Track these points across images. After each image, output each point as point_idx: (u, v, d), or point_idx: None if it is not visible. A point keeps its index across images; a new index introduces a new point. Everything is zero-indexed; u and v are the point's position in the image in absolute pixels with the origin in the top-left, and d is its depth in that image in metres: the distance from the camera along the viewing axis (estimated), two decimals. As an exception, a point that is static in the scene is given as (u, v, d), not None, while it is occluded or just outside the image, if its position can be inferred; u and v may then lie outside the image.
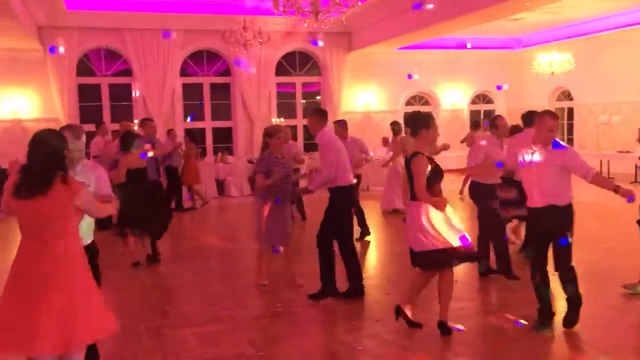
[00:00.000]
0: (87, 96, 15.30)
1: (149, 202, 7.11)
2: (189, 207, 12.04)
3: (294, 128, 15.95)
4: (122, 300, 5.92)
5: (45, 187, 3.09)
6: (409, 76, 16.94)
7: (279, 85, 16.72)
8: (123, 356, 4.40)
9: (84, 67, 15.21)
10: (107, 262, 7.44)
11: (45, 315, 2.99)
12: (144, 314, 5.38)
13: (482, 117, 18.86)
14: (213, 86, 16.31)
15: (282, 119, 16.00)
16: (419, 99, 18.28)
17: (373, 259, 7.78)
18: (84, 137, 3.72)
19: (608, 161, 14.73)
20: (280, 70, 16.61)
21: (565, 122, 17.33)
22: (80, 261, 3.23)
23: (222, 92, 16.41)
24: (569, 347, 4.44)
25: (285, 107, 16.87)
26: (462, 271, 6.44)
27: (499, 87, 18.07)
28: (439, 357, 4.28)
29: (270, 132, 6.13)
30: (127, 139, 7.08)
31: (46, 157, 3.14)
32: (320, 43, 15.26)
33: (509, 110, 18.16)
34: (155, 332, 4.88)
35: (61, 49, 13.93)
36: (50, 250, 3.10)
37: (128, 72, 15.38)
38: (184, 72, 15.84)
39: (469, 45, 17.04)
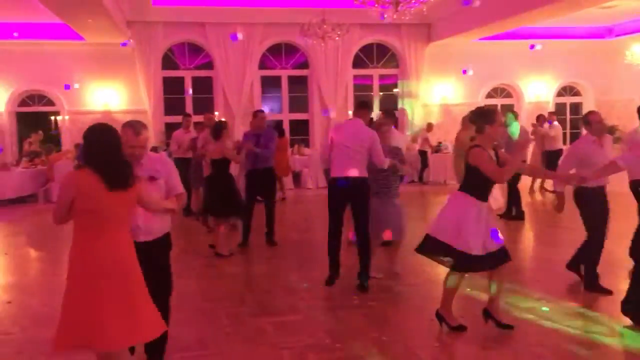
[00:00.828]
0: (171, 89, 15.88)
1: (234, 191, 7.51)
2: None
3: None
4: (204, 286, 6.13)
5: (132, 178, 3.22)
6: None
7: (355, 77, 16.68)
8: (205, 340, 4.54)
9: (168, 60, 15.79)
10: (190, 249, 7.80)
11: (117, 308, 3.08)
12: (224, 301, 5.53)
13: (568, 110, 18.11)
14: (291, 78, 16.51)
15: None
16: (500, 91, 17.72)
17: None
18: (145, 133, 3.64)
19: None
20: (357, 62, 16.57)
21: (660, 115, 16.27)
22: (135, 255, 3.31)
23: (299, 84, 16.57)
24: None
25: (362, 99, 16.80)
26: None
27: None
28: (519, 355, 4.14)
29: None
30: (218, 128, 7.55)
31: (120, 149, 3.23)
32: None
33: (597, 103, 17.29)
34: (235, 319, 5.01)
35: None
36: (126, 243, 3.21)
37: (209, 66, 15.83)
38: (262, 65, 16.12)
39: (536, 44, 16.30)
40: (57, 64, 14.86)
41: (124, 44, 14.50)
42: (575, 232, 6.35)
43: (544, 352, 4.20)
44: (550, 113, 13.65)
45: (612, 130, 17.32)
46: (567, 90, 18.15)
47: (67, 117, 15.21)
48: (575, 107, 18.06)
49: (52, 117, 15.12)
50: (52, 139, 15.25)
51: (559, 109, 17.71)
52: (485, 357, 4.15)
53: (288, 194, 12.60)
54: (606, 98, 17.56)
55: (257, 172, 7.79)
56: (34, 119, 15.43)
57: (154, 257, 3.74)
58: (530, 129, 12.39)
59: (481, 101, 17.10)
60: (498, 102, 17.61)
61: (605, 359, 4.14)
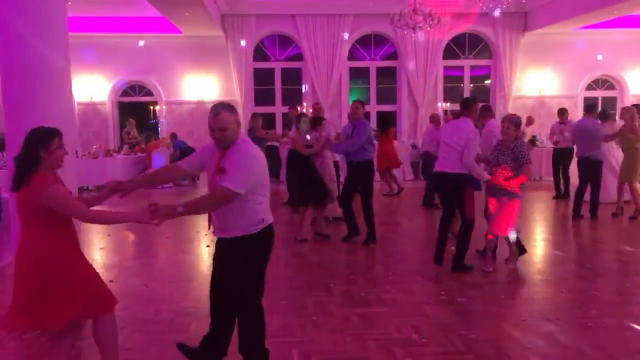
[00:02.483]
0: (261, 80, 16.24)
1: (312, 178, 7.69)
2: (387, 193, 12.11)
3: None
4: (291, 274, 6.24)
5: (18, 182, 3.22)
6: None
7: (446, 68, 16.33)
8: (291, 327, 4.62)
9: (259, 52, 16.14)
10: (278, 237, 7.95)
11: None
12: (311, 290, 5.60)
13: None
14: (379, 70, 16.40)
15: (448, 104, 15.63)
16: (602, 82, 16.74)
17: (544, 253, 7.32)
18: (225, 114, 3.42)
19: None
20: (448, 53, 16.20)
21: None
22: None
23: (388, 75, 16.44)
24: None
25: (452, 92, 16.44)
26: None
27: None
28: (620, 365, 3.92)
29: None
30: (297, 120, 8.04)
31: (25, 150, 3.20)
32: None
33: None
34: (321, 308, 5.06)
35: (242, 43, 14.91)
36: (23, 242, 3.27)
37: (299, 57, 16.02)
38: (351, 56, 16.12)
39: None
40: (156, 56, 15.58)
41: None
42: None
43: None
44: None
45: None
46: (677, 81, 16.86)
47: (164, 107, 15.93)
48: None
49: (151, 107, 15.88)
50: (151, 127, 16.03)
51: (668, 102, 16.48)
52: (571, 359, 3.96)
53: (375, 186, 12.53)
54: None
55: (352, 165, 7.64)
56: (135, 109, 16.29)
57: (220, 257, 3.63)
58: None
59: (580, 93, 16.26)
60: (600, 94, 16.66)
61: None
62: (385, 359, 4.04)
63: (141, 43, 15.15)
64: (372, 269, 6.42)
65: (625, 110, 9.45)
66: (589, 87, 16.59)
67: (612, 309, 5.06)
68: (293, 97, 15.79)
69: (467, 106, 6.29)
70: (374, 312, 4.94)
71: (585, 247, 7.76)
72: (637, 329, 4.59)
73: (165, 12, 12.71)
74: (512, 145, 5.95)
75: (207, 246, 7.54)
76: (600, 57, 15.37)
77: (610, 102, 16.38)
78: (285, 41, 16.17)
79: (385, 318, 4.80)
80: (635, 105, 11.83)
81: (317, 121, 8.56)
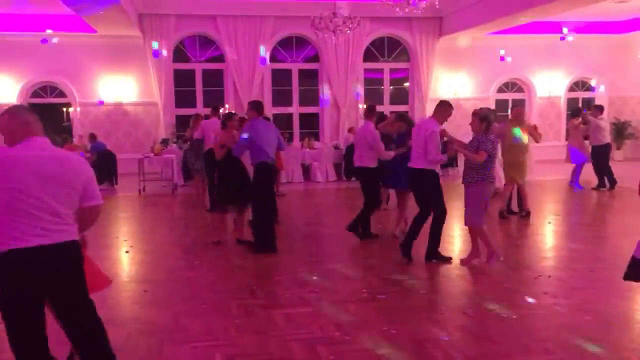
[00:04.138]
0: (182, 81, 15.94)
1: (242, 181, 7.48)
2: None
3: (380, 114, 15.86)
4: (215, 278, 6.17)
5: None
6: (502, 58, 16.07)
7: (366, 71, 16.66)
8: (214, 330, 4.57)
9: (179, 53, 15.85)
10: (201, 240, 7.85)
11: None
12: (234, 292, 5.57)
13: (580, 105, 17.92)
14: (301, 72, 16.51)
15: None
16: (511, 85, 17.62)
17: (460, 249, 7.62)
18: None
19: None
20: (368, 56, 16.54)
21: (674, 111, 16.13)
22: None
23: (310, 78, 16.58)
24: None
25: (373, 93, 16.79)
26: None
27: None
28: (529, 351, 4.14)
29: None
30: (225, 118, 7.81)
31: None
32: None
33: (610, 99, 17.17)
34: (245, 311, 5.04)
35: (164, 52, 14.53)
36: None
37: (221, 58, 15.86)
38: (273, 59, 16.14)
39: (565, 31, 16.14)
40: (69, 56, 14.94)
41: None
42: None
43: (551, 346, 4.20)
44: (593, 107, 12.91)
45: (624, 125, 17.23)
46: (579, 85, 18.02)
47: (78, 109, 15.30)
48: (588, 103, 17.91)
49: (64, 109, 15.21)
50: (66, 129, 15.35)
51: (571, 104, 17.60)
52: (493, 353, 4.15)
53: (298, 187, 12.63)
54: (620, 94, 17.42)
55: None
56: (47, 111, 15.54)
57: None
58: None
59: (492, 96, 17.04)
60: (509, 96, 17.53)
61: None
62: (309, 358, 4.07)
63: (55, 40, 14.47)
64: (295, 269, 6.46)
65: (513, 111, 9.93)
66: (500, 90, 17.43)
67: (523, 301, 5.34)
68: (215, 99, 15.60)
69: (371, 112, 7.73)
70: (297, 312, 4.97)
71: (499, 242, 8.13)
72: (546, 318, 4.87)
73: (78, 10, 12.22)
74: (478, 138, 6.21)
75: (126, 252, 7.32)
76: (509, 59, 16.09)
77: (520, 104, 17.26)
78: (206, 42, 15.95)
79: (309, 318, 4.84)
80: (597, 106, 12.55)
81: (244, 121, 8.52)
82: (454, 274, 6.23)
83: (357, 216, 7.72)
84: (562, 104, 17.61)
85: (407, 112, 15.13)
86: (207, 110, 12.43)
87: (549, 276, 6.00)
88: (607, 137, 11.88)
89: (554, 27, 16.26)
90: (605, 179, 11.67)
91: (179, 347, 4.28)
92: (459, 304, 5.25)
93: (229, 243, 7.69)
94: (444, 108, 6.67)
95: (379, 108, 15.85)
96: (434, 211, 6.55)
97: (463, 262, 6.48)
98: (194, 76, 15.99)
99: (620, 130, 17.29)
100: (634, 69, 16.57)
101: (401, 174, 7.64)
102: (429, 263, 6.56)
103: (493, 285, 5.74)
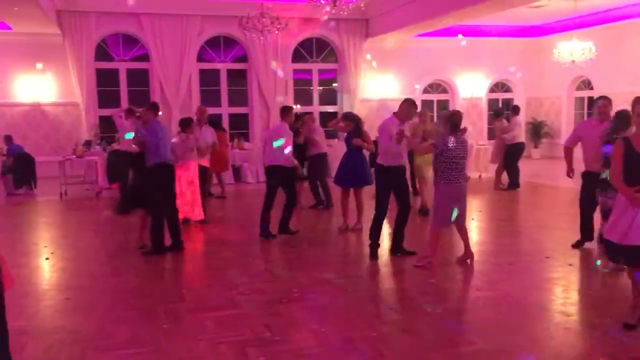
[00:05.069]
0: (105, 81, 15.42)
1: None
2: (220, 195, 11.88)
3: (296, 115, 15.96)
4: (141, 282, 6.01)
5: None
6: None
7: (295, 72, 16.70)
8: (140, 337, 4.46)
9: (102, 52, 15.32)
10: (128, 245, 7.62)
11: None
12: (162, 297, 5.44)
13: (500, 105, 18.70)
14: (230, 72, 16.35)
15: (298, 106, 16.01)
16: (436, 87, 18.15)
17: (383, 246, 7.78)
18: None
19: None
20: (297, 57, 16.59)
21: (585, 111, 17.11)
22: None
23: (239, 78, 16.44)
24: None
25: (302, 94, 16.86)
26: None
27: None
28: (455, 343, 4.28)
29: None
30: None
31: None
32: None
33: (528, 99, 17.99)
34: (173, 315, 4.94)
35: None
36: None
37: (146, 58, 15.46)
38: (200, 58, 15.89)
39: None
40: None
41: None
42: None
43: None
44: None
45: (540, 125, 18.13)
46: (499, 86, 18.79)
47: (-7, 110, 14.51)
48: (507, 104, 18.69)
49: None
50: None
51: (492, 104, 18.33)
52: (420, 347, 4.26)
53: (228, 188, 12.47)
54: (537, 94, 18.30)
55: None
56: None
57: None
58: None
59: (418, 96, 17.48)
60: (434, 97, 18.05)
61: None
62: (239, 360, 4.05)
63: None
64: (225, 271, 6.39)
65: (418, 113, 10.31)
66: (425, 91, 17.92)
67: (448, 295, 5.53)
68: (141, 99, 15.17)
69: (286, 112, 7.92)
70: (227, 315, 4.92)
71: (420, 241, 8.35)
72: (469, 311, 5.06)
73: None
74: (440, 137, 6.28)
75: (47, 258, 7.01)
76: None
77: (444, 105, 17.84)
78: (130, 41, 15.50)
79: (239, 319, 4.80)
80: (514, 107, 12.99)
81: (185, 123, 8.37)
82: (382, 271, 6.36)
83: (282, 217, 7.89)
84: (484, 105, 18.30)
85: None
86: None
87: (472, 270, 6.23)
88: (521, 137, 12.41)
89: (476, 31, 16.89)
90: (507, 177, 12.12)
91: (103, 356, 4.14)
92: (388, 300, 5.37)
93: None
94: (406, 106, 6.76)
95: (308, 109, 16.19)
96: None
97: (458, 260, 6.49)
98: (118, 75, 15.49)
99: (537, 129, 18.17)
100: (549, 71, 17.46)
101: (359, 172, 8.02)
102: (363, 261, 6.66)
103: (420, 282, 5.89)
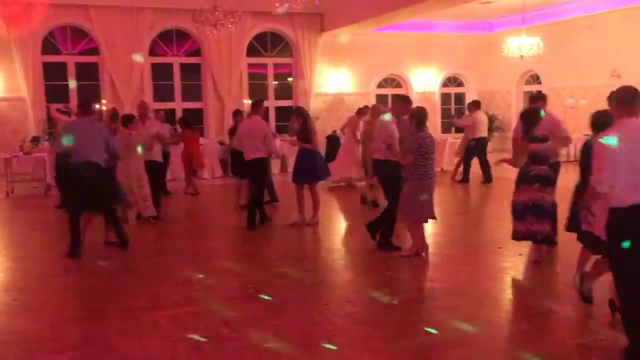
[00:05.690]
0: (52, 75, 14.94)
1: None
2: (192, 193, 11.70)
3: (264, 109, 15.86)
4: (93, 282, 5.86)
5: None
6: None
7: (250, 66, 16.56)
8: (92, 337, 4.35)
9: (49, 45, 14.83)
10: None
11: None
12: (115, 296, 5.33)
13: (452, 99, 19.03)
14: (183, 66, 16.08)
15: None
16: (390, 81, 18.31)
17: (345, 240, 7.81)
18: None
19: (575, 144, 14.99)
20: (251, 51, 16.45)
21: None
22: None
23: (192, 72, 16.19)
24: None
25: (257, 88, 16.73)
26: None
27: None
28: (411, 334, 4.34)
29: None
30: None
31: None
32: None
33: (479, 93, 18.34)
34: (126, 314, 4.84)
35: None
36: None
37: (95, 51, 15.05)
38: (153, 52, 15.57)
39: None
40: None
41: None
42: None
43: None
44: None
45: (492, 118, 18.52)
46: (451, 80, 19.09)
47: None
48: (459, 98, 19.04)
49: None
50: None
51: (444, 98, 18.62)
52: (376, 338, 4.30)
53: (183, 184, 12.26)
54: (488, 88, 18.68)
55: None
56: None
57: None
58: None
59: (372, 91, 17.60)
60: (389, 92, 18.20)
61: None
62: (196, 357, 4.00)
63: None
64: (181, 268, 6.29)
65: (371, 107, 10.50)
66: (380, 85, 18.06)
67: (404, 286, 5.61)
68: (90, 93, 14.78)
69: (257, 105, 8.14)
70: (183, 312, 4.85)
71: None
72: (424, 302, 5.13)
73: None
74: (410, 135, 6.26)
75: (-8, 260, 6.76)
76: (390, 57, 16.44)
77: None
78: (78, 34, 15.04)
79: (195, 317, 4.74)
80: (474, 102, 13.10)
81: (127, 119, 8.20)
82: (338, 265, 6.39)
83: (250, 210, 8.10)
84: (437, 99, 18.57)
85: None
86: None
87: (427, 262, 6.32)
88: (483, 131, 12.55)
89: (429, 26, 17.10)
90: (461, 168, 12.36)
91: (53, 358, 4.02)
92: (344, 293, 5.39)
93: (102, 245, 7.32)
94: (396, 102, 6.92)
95: (264, 103, 16.00)
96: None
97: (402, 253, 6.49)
98: (66, 69, 15.02)
99: (489, 123, 18.54)
100: (499, 66, 17.82)
101: (312, 168, 7.99)
102: (317, 256, 6.67)
103: (375, 274, 5.94)
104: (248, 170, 8.32)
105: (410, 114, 6.33)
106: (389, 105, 13.68)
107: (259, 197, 8.30)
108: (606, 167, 3.52)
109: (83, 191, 6.78)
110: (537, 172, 5.78)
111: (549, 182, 5.87)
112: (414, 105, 6.68)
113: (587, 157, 4.49)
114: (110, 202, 7.08)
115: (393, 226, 6.65)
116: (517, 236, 5.96)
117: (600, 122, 4.78)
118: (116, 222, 7.05)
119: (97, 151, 6.79)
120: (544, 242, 5.95)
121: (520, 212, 5.84)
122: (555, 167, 6.24)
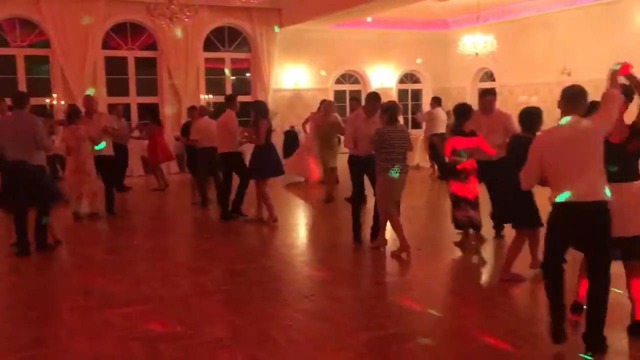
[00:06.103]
0: (1, 69, 14.42)
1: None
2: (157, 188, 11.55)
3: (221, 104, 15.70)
4: (43, 281, 5.70)
5: None
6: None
7: (207, 60, 16.34)
8: (44, 338, 4.23)
9: (-4, 36, 14.32)
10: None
11: None
12: (67, 296, 5.20)
13: (409, 96, 19.25)
14: (138, 60, 15.75)
15: (210, 96, 15.72)
16: (348, 77, 18.38)
17: (303, 236, 7.82)
18: None
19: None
20: (209, 45, 16.24)
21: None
22: None
23: (148, 66, 15.88)
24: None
25: (215, 83, 16.54)
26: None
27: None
28: (368, 327, 4.38)
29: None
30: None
31: None
32: None
33: (435, 90, 18.58)
34: (79, 313, 4.72)
35: None
36: None
37: (46, 44, 14.59)
38: (106, 45, 15.19)
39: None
40: None
41: None
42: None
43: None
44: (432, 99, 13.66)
45: (448, 114, 18.81)
46: (408, 77, 19.30)
47: None
48: (416, 94, 19.26)
49: None
50: None
51: (401, 95, 18.81)
52: (334, 333, 4.33)
53: (138, 180, 12.09)
54: (444, 85, 18.95)
55: None
56: None
57: None
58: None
59: (331, 87, 17.63)
60: (347, 87, 18.28)
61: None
62: (151, 356, 3.93)
63: None
64: (136, 266, 6.19)
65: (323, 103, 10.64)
66: (338, 81, 18.11)
67: (360, 281, 5.65)
68: (41, 87, 14.34)
69: (231, 100, 8.33)
70: (137, 311, 4.76)
71: (340, 224, 8.46)
72: (381, 296, 5.19)
73: None
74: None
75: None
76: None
77: (357, 95, 18.09)
78: (27, 25, 14.55)
79: (150, 315, 4.66)
80: (435, 98, 13.26)
81: (73, 114, 8.03)
82: (297, 261, 6.38)
83: (235, 200, 8.28)
84: (394, 95, 18.74)
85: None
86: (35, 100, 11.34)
87: (384, 257, 6.38)
88: (441, 128, 12.71)
89: (386, 23, 17.22)
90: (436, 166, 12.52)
91: (3, 359, 3.89)
92: (302, 289, 5.38)
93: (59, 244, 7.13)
94: (369, 100, 6.96)
95: (219, 99, 15.87)
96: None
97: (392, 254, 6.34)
98: (15, 62, 14.52)
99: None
100: (455, 63, 18.11)
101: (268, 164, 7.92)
102: (276, 251, 6.65)
103: (333, 270, 5.97)
104: (222, 164, 8.44)
105: (382, 109, 6.36)
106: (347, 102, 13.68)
107: (242, 187, 8.32)
108: (530, 164, 3.88)
109: (21, 191, 6.43)
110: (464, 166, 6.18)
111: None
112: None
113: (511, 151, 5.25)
114: (46, 203, 6.66)
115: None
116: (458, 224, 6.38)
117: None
118: (40, 225, 6.62)
119: (27, 149, 6.35)
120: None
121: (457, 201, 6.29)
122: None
